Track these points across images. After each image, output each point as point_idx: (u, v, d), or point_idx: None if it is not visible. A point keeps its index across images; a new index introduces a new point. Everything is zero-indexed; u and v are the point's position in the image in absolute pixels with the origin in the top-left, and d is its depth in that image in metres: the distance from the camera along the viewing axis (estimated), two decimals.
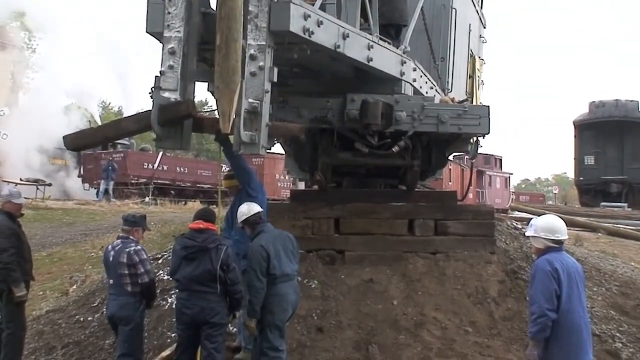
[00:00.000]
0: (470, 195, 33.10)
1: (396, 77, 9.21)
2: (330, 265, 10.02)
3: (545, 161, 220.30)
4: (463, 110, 9.71)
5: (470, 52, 14.13)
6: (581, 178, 41.15)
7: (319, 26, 6.93)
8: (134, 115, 7.39)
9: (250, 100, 6.33)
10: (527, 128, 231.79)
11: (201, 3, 6.95)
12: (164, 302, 9.40)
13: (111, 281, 7.67)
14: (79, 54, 62.59)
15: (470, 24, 13.84)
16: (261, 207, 7.62)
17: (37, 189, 30.03)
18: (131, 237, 7.71)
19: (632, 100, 39.62)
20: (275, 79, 6.55)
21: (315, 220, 10.43)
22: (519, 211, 30.23)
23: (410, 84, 9.65)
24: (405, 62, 9.31)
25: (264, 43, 6.39)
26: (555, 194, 74.89)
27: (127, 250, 7.48)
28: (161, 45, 6.72)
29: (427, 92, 10.37)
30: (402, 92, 9.51)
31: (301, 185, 17.62)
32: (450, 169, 31.55)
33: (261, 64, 6.38)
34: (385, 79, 9.18)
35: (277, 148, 13.12)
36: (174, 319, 7.69)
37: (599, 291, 10.26)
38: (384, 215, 10.50)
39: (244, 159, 8.13)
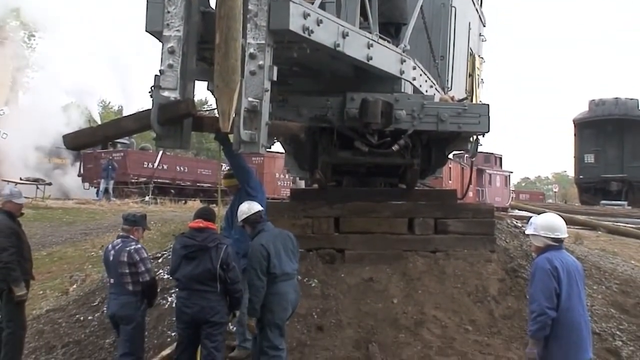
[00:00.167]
0: (470, 194, 33.15)
1: (396, 75, 9.21)
2: (330, 264, 10.03)
3: (545, 159, 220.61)
4: (463, 109, 9.71)
5: (469, 50, 14.13)
6: (581, 176, 41.13)
7: (318, 25, 6.93)
8: (133, 114, 7.39)
9: (250, 99, 6.33)
10: (527, 126, 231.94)
11: (201, 2, 6.95)
12: (164, 301, 9.40)
13: (112, 280, 7.66)
14: (78, 53, 62.49)
15: (469, 23, 13.84)
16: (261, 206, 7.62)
17: (37, 188, 30.03)
18: (131, 236, 7.71)
19: (632, 99, 39.58)
20: (275, 78, 6.54)
21: (315, 219, 10.43)
22: (519, 209, 30.29)
23: (410, 82, 9.64)
24: (404, 61, 9.31)
25: (263, 42, 6.39)
26: (555, 192, 74.96)
27: (128, 249, 7.47)
28: (161, 44, 6.72)
29: (426, 91, 10.37)
30: (402, 90, 9.50)
31: (301, 184, 17.63)
32: (450, 168, 31.59)
33: (261, 62, 6.37)
34: (385, 77, 9.18)
35: (277, 147, 13.13)
36: (174, 318, 7.69)
37: (599, 289, 10.26)
38: (384, 214, 10.50)
39: (244, 158, 8.14)
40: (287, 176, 34.38)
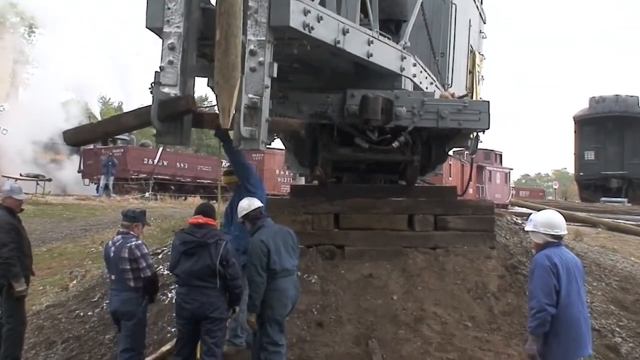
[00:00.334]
0: (470, 191, 33.15)
1: (396, 72, 9.20)
2: (330, 261, 10.03)
3: (545, 156, 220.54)
4: (463, 106, 9.71)
5: (470, 47, 14.12)
6: (581, 173, 41.11)
7: (319, 22, 6.93)
8: (133, 110, 7.36)
9: (250, 95, 6.33)
10: (528, 123, 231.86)
11: None
12: (164, 297, 9.41)
13: (113, 277, 7.66)
14: (78, 50, 62.45)
15: (470, 20, 13.83)
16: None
17: (37, 184, 30.06)
18: (131, 232, 7.71)
19: (632, 96, 39.53)
20: (275, 75, 6.54)
21: (315, 216, 10.43)
22: (518, 206, 30.26)
23: (410, 79, 9.64)
24: (405, 58, 9.31)
25: (263, 38, 6.39)
26: (555, 189, 74.87)
27: (128, 245, 7.48)
28: (161, 40, 6.72)
29: (427, 88, 10.36)
30: (402, 87, 9.50)
31: (301, 181, 17.63)
32: (450, 165, 31.63)
33: (261, 59, 6.38)
34: (385, 74, 9.17)
35: (277, 143, 13.13)
36: (174, 314, 7.70)
37: (599, 286, 10.27)
38: (383, 210, 10.50)
39: (244, 154, 8.13)
40: (287, 173, 34.38)
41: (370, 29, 8.40)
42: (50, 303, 11.29)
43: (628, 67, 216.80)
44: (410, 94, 9.59)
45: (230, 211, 8.24)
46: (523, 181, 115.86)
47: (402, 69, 9.28)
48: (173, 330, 8.43)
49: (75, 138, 7.54)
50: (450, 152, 14.01)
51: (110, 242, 7.78)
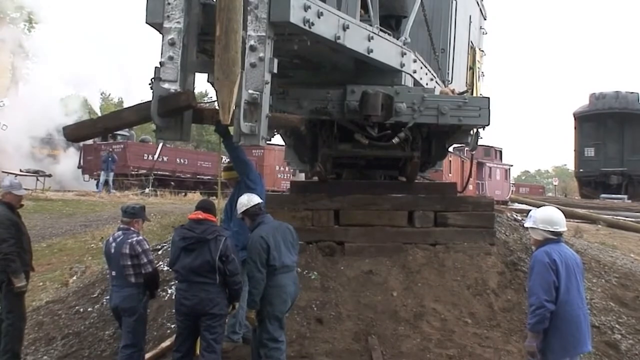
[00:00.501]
0: (470, 187, 33.11)
1: (396, 68, 9.20)
2: (330, 257, 10.04)
3: (545, 153, 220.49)
4: (463, 102, 9.70)
5: (470, 43, 14.11)
6: (581, 170, 41.09)
7: (319, 17, 6.92)
8: (133, 106, 7.36)
9: (250, 91, 6.32)
10: (528, 120, 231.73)
11: None
12: (164, 293, 9.41)
13: (113, 273, 7.65)
14: (78, 45, 62.51)
15: (470, 16, 13.83)
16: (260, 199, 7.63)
17: (37, 179, 30.05)
18: (132, 228, 7.70)
19: (632, 92, 39.50)
20: (275, 70, 6.54)
21: (315, 212, 10.44)
22: (518, 203, 30.24)
23: (411, 75, 9.64)
24: (405, 54, 9.30)
25: (264, 34, 6.38)
26: (555, 185, 74.82)
27: (129, 241, 7.47)
28: (161, 36, 6.71)
29: (427, 84, 10.36)
30: (402, 83, 9.50)
31: (301, 177, 17.62)
32: (450, 161, 31.57)
33: (261, 55, 6.37)
34: (385, 70, 9.17)
35: (277, 139, 13.13)
36: (174, 310, 7.70)
37: (599, 283, 10.27)
38: (383, 206, 10.51)
39: (244, 150, 8.13)
40: (287, 169, 34.37)
41: (371, 25, 8.39)
42: (50, 299, 11.31)
43: (628, 63, 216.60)
44: (410, 90, 9.58)
45: (229, 207, 8.23)
46: (523, 178, 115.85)
47: (403, 65, 9.28)
48: (173, 326, 8.43)
49: (75, 133, 7.53)
50: (450, 149, 14.03)
51: (111, 238, 7.77)
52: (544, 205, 9.11)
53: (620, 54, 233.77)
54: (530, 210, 7.27)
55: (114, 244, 7.58)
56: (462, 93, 11.33)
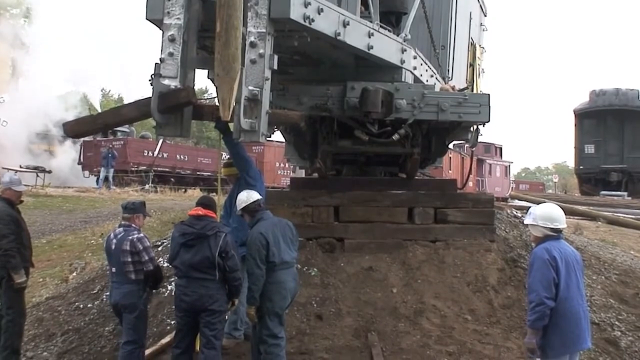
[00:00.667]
0: (470, 184, 33.17)
1: (396, 65, 9.20)
2: (329, 253, 10.04)
3: (545, 150, 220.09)
4: (463, 99, 9.69)
5: (470, 40, 14.10)
6: (581, 167, 41.03)
7: (319, 14, 6.92)
8: (133, 102, 7.35)
9: (251, 87, 6.33)
10: (528, 116, 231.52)
11: None
12: (164, 289, 9.41)
13: (113, 269, 7.64)
14: (79, 42, 62.51)
15: (470, 12, 13.82)
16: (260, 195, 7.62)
17: (37, 176, 30.06)
18: (133, 224, 7.69)
19: (632, 89, 39.44)
20: (275, 67, 6.54)
21: (315, 208, 10.43)
22: (518, 200, 30.26)
23: (411, 72, 9.63)
24: (405, 50, 9.30)
25: (264, 30, 6.38)
26: (555, 182, 74.81)
27: (130, 238, 7.47)
28: (161, 32, 6.71)
29: (427, 80, 10.36)
30: (403, 80, 9.49)
31: (301, 173, 17.63)
32: (450, 158, 31.61)
33: (261, 51, 6.37)
34: (385, 66, 9.16)
35: (277, 136, 13.12)
36: (174, 306, 7.70)
37: (599, 279, 10.27)
38: (383, 203, 10.50)
39: (244, 147, 8.12)
40: (287, 165, 34.38)
41: (371, 21, 8.39)
42: (49, 295, 11.31)
43: (629, 60, 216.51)
44: (410, 87, 9.58)
45: (229, 203, 8.23)
46: (523, 174, 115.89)
47: (403, 62, 9.27)
48: (172, 322, 8.43)
49: (75, 130, 7.54)
50: (451, 145, 14.02)
51: (112, 234, 7.76)
52: (544, 202, 9.12)
53: (621, 51, 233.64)
54: (530, 207, 7.25)
55: (114, 240, 7.57)
56: (463, 90, 11.31)
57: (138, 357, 7.53)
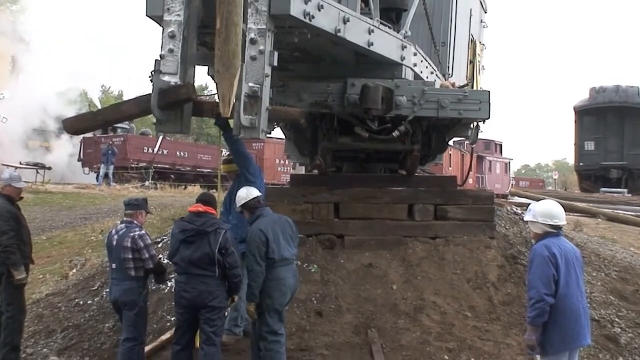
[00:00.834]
0: (470, 181, 33.13)
1: (397, 61, 9.20)
2: (329, 250, 10.04)
3: (545, 147, 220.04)
4: (463, 95, 9.70)
5: (471, 37, 14.10)
6: (581, 164, 41.02)
7: (319, 10, 6.92)
8: (133, 98, 7.36)
9: (251, 84, 6.32)
10: (528, 113, 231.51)
11: None
12: (164, 286, 9.39)
13: (114, 265, 7.63)
14: (79, 38, 62.47)
15: (471, 9, 13.82)
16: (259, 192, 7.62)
17: (37, 172, 30.05)
18: (135, 221, 7.68)
19: (632, 86, 39.42)
20: (275, 63, 6.54)
21: (315, 205, 10.44)
22: (518, 196, 30.28)
23: (411, 68, 9.63)
24: (405, 47, 9.29)
25: (264, 27, 6.38)
26: (555, 179, 74.83)
27: (132, 234, 7.46)
28: (161, 28, 6.71)
29: (427, 77, 10.36)
30: (403, 76, 9.49)
31: (301, 170, 17.63)
32: (450, 154, 31.59)
33: (261, 47, 6.37)
34: (385, 63, 9.16)
35: (277, 132, 13.12)
36: (173, 303, 7.70)
37: (598, 276, 10.28)
38: (383, 200, 10.51)
39: (244, 143, 8.12)
40: (287, 162, 34.37)
41: (371, 18, 8.39)
42: (49, 291, 11.32)
43: (629, 57, 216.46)
44: (410, 84, 9.58)
45: (229, 200, 8.23)
46: (523, 171, 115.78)
47: (403, 58, 9.27)
48: (172, 319, 8.43)
49: (75, 126, 7.53)
50: (451, 142, 14.04)
51: (113, 231, 7.76)
52: (544, 198, 9.12)
53: (621, 48, 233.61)
54: (530, 203, 7.25)
55: (116, 237, 7.57)
56: (463, 86, 11.33)
57: (138, 354, 7.52)
